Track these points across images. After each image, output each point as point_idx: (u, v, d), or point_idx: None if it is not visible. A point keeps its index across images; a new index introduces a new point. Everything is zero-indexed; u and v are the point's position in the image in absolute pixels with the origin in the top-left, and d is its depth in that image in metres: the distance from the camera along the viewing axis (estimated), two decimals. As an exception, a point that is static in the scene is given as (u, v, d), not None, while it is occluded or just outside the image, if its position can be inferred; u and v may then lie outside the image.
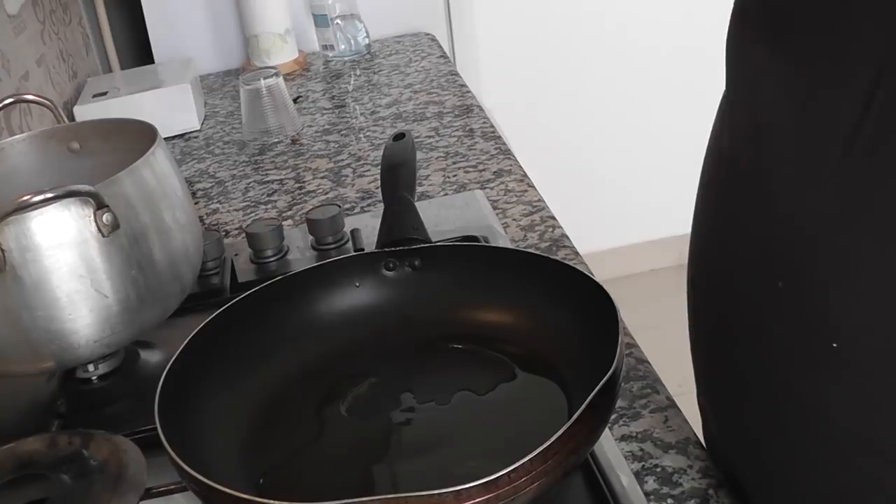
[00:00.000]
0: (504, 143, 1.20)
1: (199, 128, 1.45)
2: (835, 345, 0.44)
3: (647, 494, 0.59)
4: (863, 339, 0.43)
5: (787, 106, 0.46)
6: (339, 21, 1.66)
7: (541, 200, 1.02)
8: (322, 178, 1.19)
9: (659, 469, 0.62)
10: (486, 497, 0.48)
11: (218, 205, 1.16)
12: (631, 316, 0.75)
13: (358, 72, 1.63)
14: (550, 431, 0.49)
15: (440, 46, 1.71)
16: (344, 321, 0.71)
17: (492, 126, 1.27)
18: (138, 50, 1.78)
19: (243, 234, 0.96)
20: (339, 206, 0.95)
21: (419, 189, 1.00)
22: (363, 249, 0.89)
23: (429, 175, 1.13)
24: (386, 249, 0.73)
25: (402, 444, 0.62)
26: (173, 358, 0.62)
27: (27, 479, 0.60)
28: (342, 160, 1.23)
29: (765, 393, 0.50)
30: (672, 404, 0.68)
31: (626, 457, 0.63)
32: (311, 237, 0.94)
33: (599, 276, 0.67)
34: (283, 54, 1.65)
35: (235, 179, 1.23)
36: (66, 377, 0.77)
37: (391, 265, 0.73)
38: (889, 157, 0.40)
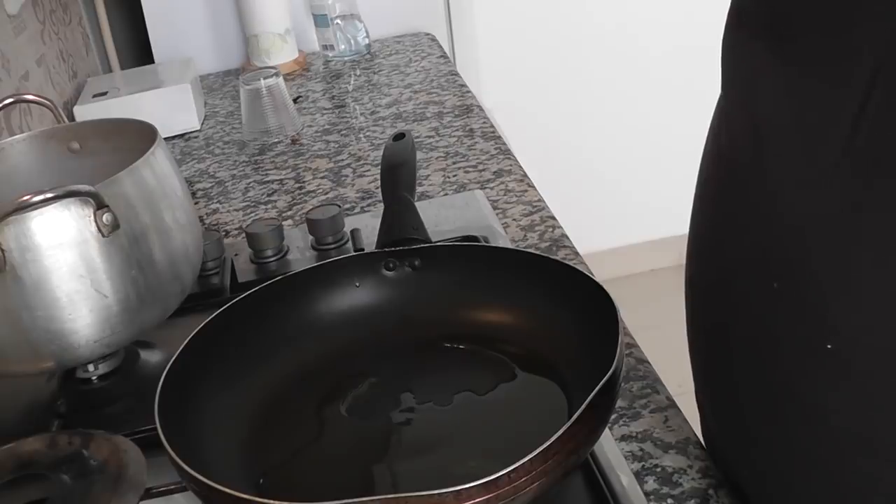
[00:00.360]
0: (504, 143, 1.20)
1: (199, 128, 1.45)
2: (830, 346, 0.44)
3: (647, 494, 0.59)
4: (861, 339, 0.43)
5: (784, 105, 0.46)
6: (339, 21, 1.66)
7: (541, 200, 1.02)
8: (322, 178, 1.19)
9: (659, 469, 0.62)
10: (486, 497, 0.48)
11: (218, 205, 1.16)
12: (631, 316, 0.75)
13: (358, 72, 1.63)
14: (550, 431, 0.49)
15: (440, 46, 1.71)
16: (344, 321, 0.71)
17: (492, 126, 1.27)
18: (138, 50, 1.78)
19: (243, 234, 0.96)
20: (339, 206, 0.95)
21: (419, 189, 1.00)
22: (363, 249, 0.89)
23: (429, 175, 1.13)
24: (386, 249, 0.73)
25: (402, 444, 0.62)
26: (173, 358, 0.62)
27: (27, 479, 0.60)
28: (342, 160, 1.23)
29: (763, 393, 0.50)
30: (672, 404, 0.68)
31: (626, 457, 0.63)
32: (311, 237, 0.94)
33: (599, 276, 0.67)
34: (283, 54, 1.65)
35: (235, 179, 1.23)
36: (66, 377, 0.77)
37: (391, 265, 0.73)
38: (887, 156, 0.40)
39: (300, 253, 0.94)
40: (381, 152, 0.86)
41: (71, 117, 1.36)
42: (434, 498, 0.47)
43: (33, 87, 1.31)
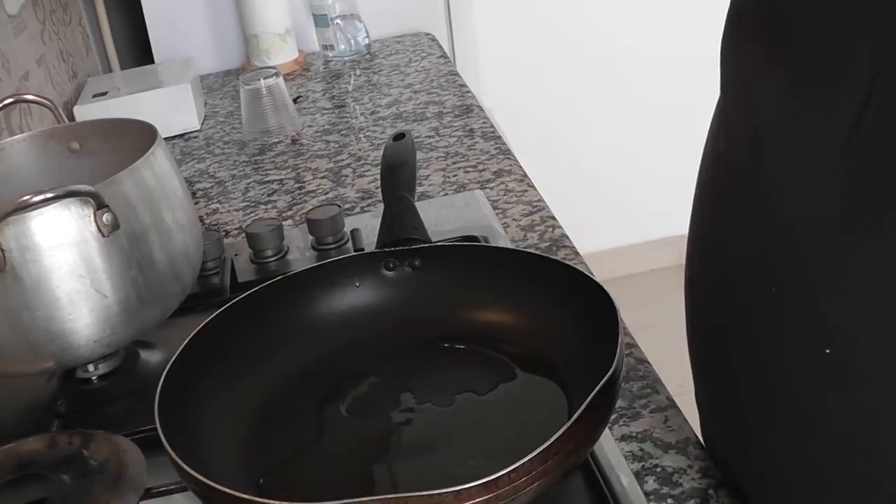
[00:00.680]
0: (504, 143, 1.20)
1: (199, 128, 1.45)
2: (828, 351, 0.44)
3: (647, 494, 0.59)
4: (860, 342, 0.43)
5: (783, 106, 0.46)
6: (339, 21, 1.66)
7: (541, 200, 1.02)
8: (322, 178, 1.19)
9: (659, 469, 0.62)
10: (486, 497, 0.48)
11: (218, 205, 1.16)
12: (631, 316, 0.75)
13: (358, 72, 1.63)
14: (550, 431, 0.49)
15: (440, 46, 1.71)
16: (344, 321, 0.71)
17: (492, 126, 1.27)
18: (138, 50, 1.78)
19: (243, 234, 0.96)
20: (339, 206, 0.95)
21: (419, 189, 1.00)
22: (363, 249, 0.89)
23: (429, 175, 1.13)
24: (386, 249, 0.73)
25: (402, 444, 0.62)
26: (173, 358, 0.62)
27: (27, 479, 0.60)
28: (342, 160, 1.23)
29: (762, 394, 0.50)
30: (672, 404, 0.68)
31: (626, 457, 0.63)
32: (311, 237, 0.94)
33: (599, 276, 0.67)
34: (283, 54, 1.65)
35: (235, 179, 1.23)
36: (66, 377, 0.77)
37: (391, 265, 0.73)
38: (886, 157, 0.40)
39: (300, 253, 0.94)
40: (381, 152, 0.86)
41: (71, 117, 1.36)
42: (434, 498, 0.47)
43: (33, 87, 1.31)
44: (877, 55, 0.39)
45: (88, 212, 0.66)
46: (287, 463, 0.61)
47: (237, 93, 1.42)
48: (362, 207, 1.08)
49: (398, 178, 0.79)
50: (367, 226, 0.95)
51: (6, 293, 0.65)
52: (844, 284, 0.43)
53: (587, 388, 0.52)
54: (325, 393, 0.66)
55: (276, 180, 1.20)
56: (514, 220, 0.98)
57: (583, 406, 0.51)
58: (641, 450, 0.64)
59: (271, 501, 0.48)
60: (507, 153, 1.17)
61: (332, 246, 0.93)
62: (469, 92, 1.43)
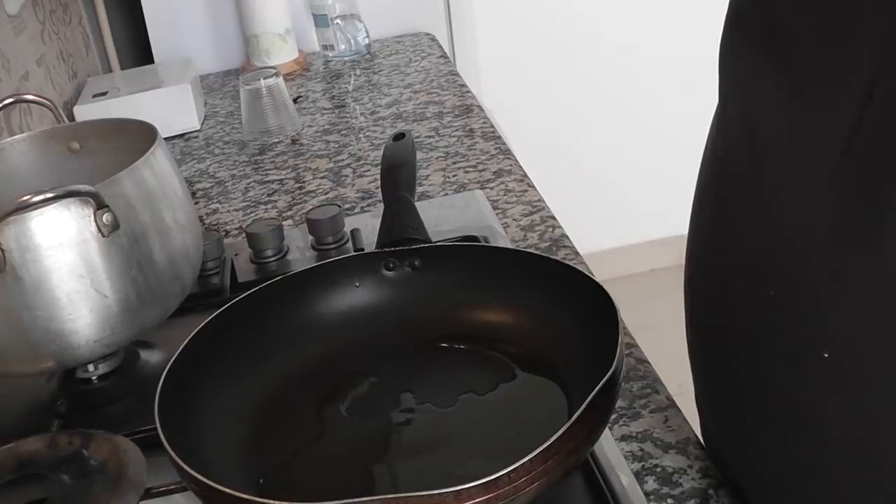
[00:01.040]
0: (504, 143, 1.20)
1: (199, 128, 1.45)
2: (826, 355, 0.44)
3: (647, 494, 0.59)
4: (859, 347, 0.43)
5: (781, 110, 0.45)
6: (339, 21, 1.66)
7: (541, 200, 1.02)
8: (322, 178, 1.19)
9: (659, 469, 0.62)
10: (486, 497, 0.48)
11: (218, 205, 1.16)
12: (631, 316, 0.75)
13: (358, 72, 1.63)
14: (550, 431, 0.49)
15: (440, 46, 1.71)
16: (344, 321, 0.71)
17: (492, 126, 1.27)
18: (138, 50, 1.78)
19: (243, 234, 0.96)
20: (339, 206, 0.95)
21: (419, 189, 1.00)
22: (363, 249, 0.89)
23: (429, 175, 1.13)
24: (386, 249, 0.73)
25: (402, 444, 0.62)
26: (173, 358, 0.62)
27: (27, 479, 0.60)
28: (342, 160, 1.23)
29: (762, 396, 0.50)
30: (672, 404, 0.68)
31: (626, 457, 0.63)
32: (311, 237, 0.94)
33: (599, 276, 0.67)
34: (283, 54, 1.65)
35: (235, 179, 1.23)
36: (66, 377, 0.77)
37: (391, 265, 0.73)
38: (885, 162, 0.40)
39: (300, 253, 0.94)
40: (381, 152, 0.86)
41: (71, 117, 1.36)
42: (434, 498, 0.47)
43: (33, 87, 1.31)
44: (875, 60, 0.39)
45: (88, 212, 0.66)
46: (287, 463, 0.61)
47: (237, 93, 1.42)
48: (362, 207, 1.08)
49: (398, 178, 0.79)
50: (367, 226, 0.95)
51: (6, 293, 0.65)
52: (843, 289, 0.43)
53: (587, 388, 0.52)
54: (325, 393, 0.66)
55: (276, 180, 1.20)
56: (514, 220, 0.98)
57: (583, 406, 0.51)
58: (641, 450, 0.64)
59: (271, 501, 0.48)
60: (507, 153, 1.17)
61: (332, 246, 0.93)
62: (469, 92, 1.43)
